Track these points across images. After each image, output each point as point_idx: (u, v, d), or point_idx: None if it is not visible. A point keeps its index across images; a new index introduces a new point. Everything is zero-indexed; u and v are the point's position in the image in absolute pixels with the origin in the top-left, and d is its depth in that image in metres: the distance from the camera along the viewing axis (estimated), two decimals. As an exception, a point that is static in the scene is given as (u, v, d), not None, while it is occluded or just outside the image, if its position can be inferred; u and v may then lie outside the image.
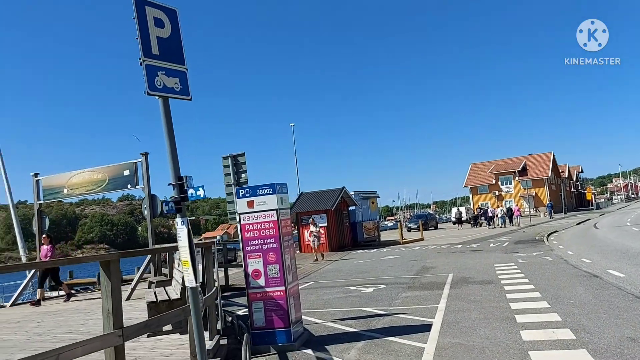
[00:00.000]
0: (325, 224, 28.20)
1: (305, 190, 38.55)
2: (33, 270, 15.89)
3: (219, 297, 7.73)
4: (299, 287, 13.61)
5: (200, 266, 6.12)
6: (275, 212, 7.37)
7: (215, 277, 7.99)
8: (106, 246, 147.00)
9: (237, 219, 7.58)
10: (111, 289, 4.13)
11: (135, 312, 9.57)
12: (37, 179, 15.29)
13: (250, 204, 7.41)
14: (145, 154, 13.65)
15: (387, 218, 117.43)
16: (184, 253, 3.92)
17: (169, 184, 3.87)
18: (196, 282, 3.96)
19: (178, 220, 3.95)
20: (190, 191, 3.86)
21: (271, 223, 7.39)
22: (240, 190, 7.47)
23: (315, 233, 23.80)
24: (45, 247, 14.32)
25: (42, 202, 15.30)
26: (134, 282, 13.91)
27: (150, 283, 12.00)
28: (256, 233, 7.44)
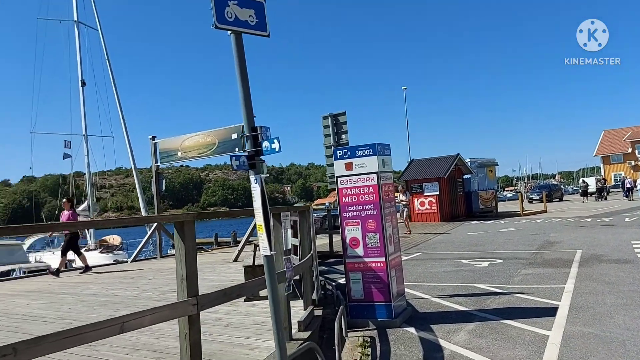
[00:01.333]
0: (437, 193, 26.84)
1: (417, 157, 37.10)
2: (154, 226, 16.76)
3: (315, 265, 7.27)
4: (406, 258, 12.97)
5: (289, 232, 5.65)
6: (375, 175, 6.66)
7: (313, 243, 7.53)
8: (227, 209, 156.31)
9: (335, 183, 7.00)
10: (185, 253, 3.74)
11: (239, 274, 9.49)
12: (154, 142, 15.91)
13: (349, 166, 6.77)
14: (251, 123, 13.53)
15: (506, 189, 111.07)
16: (258, 216, 3.38)
17: (241, 136, 3.34)
18: (271, 250, 3.43)
19: (252, 177, 3.40)
20: (265, 144, 3.29)
21: (371, 187, 6.69)
22: (338, 151, 6.85)
23: (405, 203, 21.99)
24: (65, 213, 13.18)
25: (159, 164, 15.93)
26: (241, 244, 14.09)
27: (256, 246, 11.98)
28: (354, 198, 6.80)
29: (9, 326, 6.72)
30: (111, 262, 19.04)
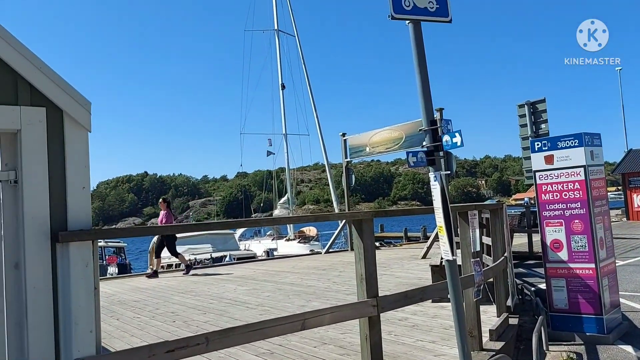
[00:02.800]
0: (664, 187, 22.90)
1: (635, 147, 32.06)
2: (344, 221, 17.39)
3: (510, 268, 6.65)
4: (622, 263, 11.21)
5: (477, 231, 5.21)
6: (582, 169, 5.79)
7: (507, 244, 6.91)
8: (418, 203, 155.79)
9: (533, 178, 6.29)
10: (364, 251, 3.66)
11: (427, 272, 9.24)
12: (344, 138, 16.46)
13: (549, 160, 6.01)
14: (440, 110, 13.10)
15: None
16: (438, 217, 3.12)
17: (420, 130, 3.11)
18: (453, 255, 3.13)
19: (431, 175, 3.15)
20: (445, 138, 3.01)
21: (577, 183, 5.84)
22: (536, 143, 6.13)
23: None
24: (162, 212, 12.67)
25: (348, 159, 16.43)
26: (430, 240, 13.78)
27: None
28: (556, 195, 6.01)
29: (218, 309, 7.51)
30: (307, 252, 20.32)
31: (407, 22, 3.18)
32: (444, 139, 3.03)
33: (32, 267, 2.45)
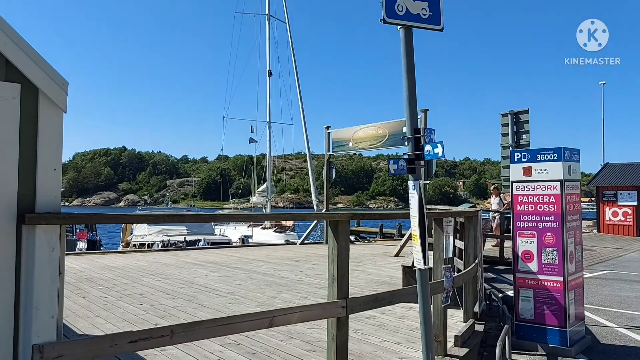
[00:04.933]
0: (635, 203, 23.37)
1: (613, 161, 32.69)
2: (322, 211, 17.45)
3: (479, 274, 6.73)
4: (589, 276, 11.44)
5: (451, 239, 5.25)
6: (559, 183, 5.87)
7: (479, 251, 6.99)
8: (395, 199, 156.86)
9: (510, 188, 6.35)
10: (337, 253, 3.65)
11: (399, 270, 9.30)
12: (328, 131, 16.44)
13: (527, 171, 6.07)
14: (425, 111, 13.15)
15: None
16: (413, 225, 3.12)
17: (403, 138, 3.10)
18: (425, 264, 3.14)
19: (410, 183, 3.14)
20: (427, 148, 3.00)
21: (552, 197, 5.92)
22: (516, 154, 6.18)
23: (497, 208, 16.12)
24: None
25: (331, 153, 16.43)
26: (404, 238, 13.88)
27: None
28: (531, 207, 6.08)
29: (188, 295, 7.46)
30: (282, 242, 20.33)
31: (399, 27, 3.15)
32: (425, 149, 3.02)
33: (-5, 248, 2.38)
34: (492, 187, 18.40)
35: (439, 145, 2.96)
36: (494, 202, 16.66)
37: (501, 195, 16.38)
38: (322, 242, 17.19)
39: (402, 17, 3.10)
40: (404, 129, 11.56)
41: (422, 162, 3.11)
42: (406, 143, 3.14)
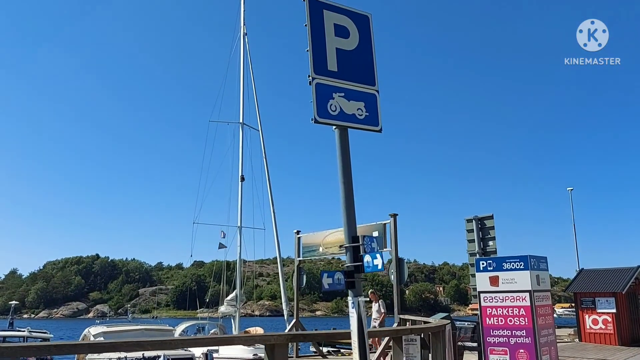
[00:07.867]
0: (614, 310, 22.83)
1: (588, 267, 32.55)
2: (292, 322, 16.44)
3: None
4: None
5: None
6: (528, 294, 5.47)
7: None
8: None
9: (477, 298, 5.92)
10: (272, 384, 3.10)
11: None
12: (298, 236, 16.05)
13: (494, 281, 5.70)
14: (394, 215, 12.96)
15: None
16: (354, 348, 2.65)
17: (341, 247, 2.75)
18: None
19: (349, 300, 2.71)
20: (366, 259, 2.62)
21: (522, 309, 5.49)
22: (481, 262, 5.84)
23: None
24: None
25: (301, 258, 15.91)
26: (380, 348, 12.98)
27: None
28: (501, 320, 5.62)
29: None
30: (251, 356, 18.93)
31: (334, 127, 2.92)
32: (365, 259, 2.64)
33: None
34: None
35: (378, 256, 2.60)
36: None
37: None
38: (293, 357, 16.04)
39: (336, 117, 2.87)
40: (375, 234, 11.07)
41: (362, 275, 2.71)
42: (345, 252, 2.77)
